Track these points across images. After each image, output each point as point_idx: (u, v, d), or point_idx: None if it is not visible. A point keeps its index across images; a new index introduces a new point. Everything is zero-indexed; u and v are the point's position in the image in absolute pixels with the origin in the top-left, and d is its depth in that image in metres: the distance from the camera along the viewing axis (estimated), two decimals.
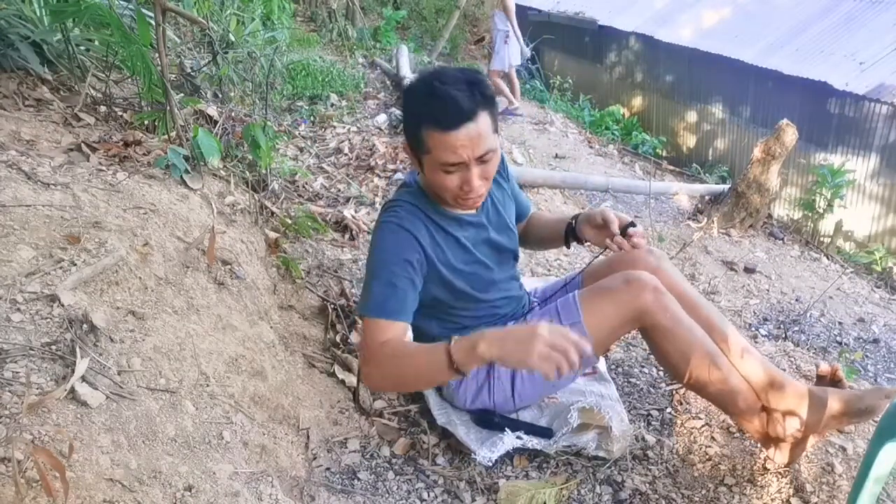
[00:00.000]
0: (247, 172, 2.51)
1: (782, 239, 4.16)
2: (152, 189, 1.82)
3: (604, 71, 9.46)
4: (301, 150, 4.04)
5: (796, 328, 2.92)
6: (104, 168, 1.82)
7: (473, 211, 1.58)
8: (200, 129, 2.12)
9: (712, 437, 1.72)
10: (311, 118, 4.66)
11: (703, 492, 1.56)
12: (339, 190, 3.38)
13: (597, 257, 1.76)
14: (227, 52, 3.43)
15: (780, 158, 3.91)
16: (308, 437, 1.58)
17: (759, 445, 1.63)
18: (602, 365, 1.91)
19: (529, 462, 1.65)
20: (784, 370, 2.04)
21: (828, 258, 4.07)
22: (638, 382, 2.02)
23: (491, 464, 1.58)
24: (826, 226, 5.56)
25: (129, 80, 2.59)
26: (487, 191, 1.48)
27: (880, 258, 4.90)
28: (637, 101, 8.84)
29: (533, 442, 1.61)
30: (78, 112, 2.11)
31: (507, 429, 1.60)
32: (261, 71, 3.80)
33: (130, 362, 1.26)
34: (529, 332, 1.21)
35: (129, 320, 1.35)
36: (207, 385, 1.39)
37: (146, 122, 2.31)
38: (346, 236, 2.77)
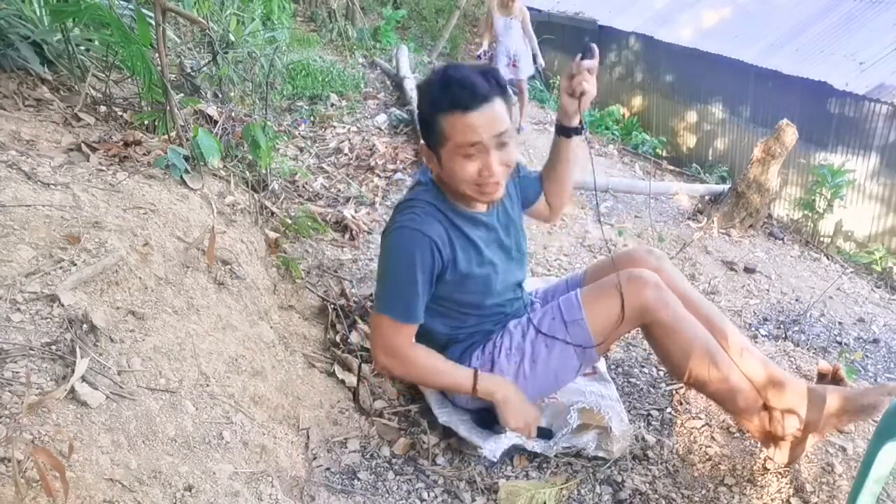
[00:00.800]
0: (247, 172, 2.51)
1: (782, 239, 4.16)
2: (152, 189, 1.82)
3: (604, 71, 9.46)
4: (301, 150, 4.04)
5: (796, 328, 2.92)
6: (104, 168, 1.82)
7: (485, 209, 1.58)
8: (200, 129, 2.12)
9: (712, 437, 1.72)
10: (311, 118, 4.67)
11: (703, 492, 1.56)
12: (339, 190, 3.38)
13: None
14: (227, 52, 3.43)
15: (780, 158, 3.91)
16: (308, 437, 1.58)
17: (759, 445, 1.63)
18: (602, 365, 1.91)
19: (529, 462, 1.65)
20: (784, 370, 2.04)
21: (828, 258, 4.06)
22: (638, 382, 2.02)
23: (496, 458, 1.58)
24: (826, 226, 5.56)
25: (129, 80, 2.59)
26: (506, 182, 1.47)
27: (880, 258, 4.90)
28: (637, 101, 8.85)
29: (532, 445, 1.61)
30: (78, 112, 2.11)
31: (506, 430, 1.60)
32: (261, 71, 3.81)
33: (130, 362, 1.26)
34: (532, 413, 1.59)
35: (129, 320, 1.35)
36: (207, 385, 1.39)
37: (146, 122, 2.31)
38: (346, 236, 2.77)
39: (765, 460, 1.62)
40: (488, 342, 1.66)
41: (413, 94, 5.22)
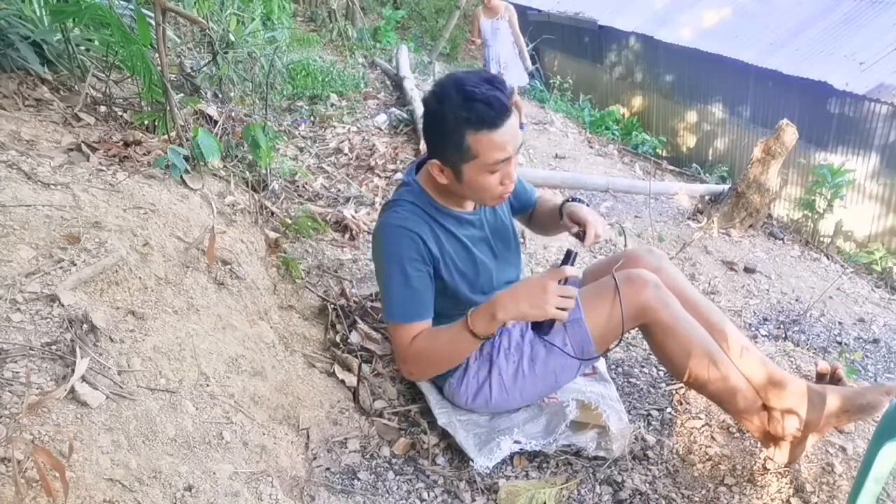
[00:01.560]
0: (247, 172, 2.51)
1: (782, 239, 4.15)
2: (152, 189, 1.82)
3: (604, 71, 9.46)
4: (301, 150, 4.04)
5: (796, 328, 2.92)
6: (104, 168, 1.82)
7: (471, 208, 1.59)
8: (200, 129, 2.12)
9: (712, 437, 1.72)
10: (311, 118, 4.66)
11: (703, 492, 1.56)
12: (339, 190, 3.38)
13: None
14: (227, 52, 3.43)
15: (780, 158, 3.91)
16: (308, 437, 1.58)
17: (759, 445, 1.63)
18: (602, 365, 1.91)
19: (529, 462, 1.65)
20: (784, 370, 2.04)
21: (828, 258, 4.06)
22: (638, 382, 2.02)
23: (488, 471, 1.58)
24: (826, 226, 5.56)
25: (129, 80, 2.59)
26: None
27: (880, 258, 4.90)
28: (637, 101, 8.84)
29: (532, 443, 1.60)
30: (78, 112, 2.11)
31: (505, 434, 1.60)
32: (261, 71, 3.80)
33: (130, 362, 1.26)
34: (539, 289, 1.33)
35: (129, 320, 1.35)
36: (207, 385, 1.39)
37: (146, 122, 2.31)
38: (346, 236, 2.77)
39: (765, 460, 1.62)
40: (488, 343, 1.66)
41: (413, 93, 5.22)
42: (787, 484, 1.54)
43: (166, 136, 2.24)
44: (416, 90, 5.43)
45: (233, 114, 3.00)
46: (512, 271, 1.73)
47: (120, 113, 2.36)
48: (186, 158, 2.02)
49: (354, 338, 2.02)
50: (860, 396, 1.43)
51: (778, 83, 6.35)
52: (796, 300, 3.19)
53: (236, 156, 2.56)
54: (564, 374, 1.64)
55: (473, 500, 1.53)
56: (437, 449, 1.68)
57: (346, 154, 3.98)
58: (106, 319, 1.28)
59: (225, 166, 2.38)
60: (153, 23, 2.13)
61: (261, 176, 2.64)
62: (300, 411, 1.63)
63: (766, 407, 1.52)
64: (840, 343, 2.87)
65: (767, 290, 3.26)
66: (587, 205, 1.68)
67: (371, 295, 2.27)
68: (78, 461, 1.00)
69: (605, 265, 1.75)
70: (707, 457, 1.67)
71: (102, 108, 2.31)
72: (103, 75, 2.43)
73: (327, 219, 2.85)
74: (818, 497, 1.50)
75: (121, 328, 1.31)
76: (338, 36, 8.30)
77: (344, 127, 4.54)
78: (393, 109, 5.00)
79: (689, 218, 4.23)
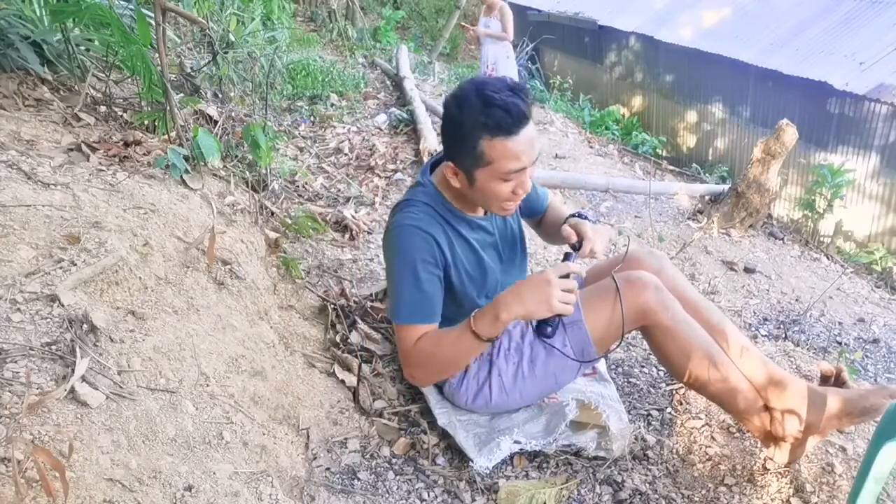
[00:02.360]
0: (247, 172, 2.51)
1: (782, 239, 4.15)
2: (152, 189, 1.82)
3: (604, 71, 9.46)
4: (301, 150, 4.04)
5: (796, 328, 2.92)
6: (104, 168, 1.82)
7: (482, 213, 1.59)
8: (200, 129, 2.12)
9: (712, 437, 1.72)
10: (311, 118, 4.66)
11: (703, 492, 1.56)
12: (339, 190, 3.38)
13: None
14: (227, 52, 3.43)
15: (780, 158, 3.91)
16: (308, 437, 1.58)
17: (759, 445, 1.63)
18: (602, 365, 1.91)
19: (529, 462, 1.65)
20: (784, 370, 2.04)
21: (828, 258, 4.06)
22: (638, 382, 2.02)
23: (488, 471, 1.58)
24: (826, 226, 5.55)
25: (129, 80, 2.59)
26: None
27: (880, 258, 4.89)
28: (637, 101, 8.84)
29: (532, 443, 1.60)
30: (78, 112, 2.11)
31: (504, 434, 1.60)
32: (261, 71, 3.81)
33: (130, 362, 1.26)
34: (542, 285, 1.34)
35: (129, 320, 1.35)
36: (207, 385, 1.39)
37: (146, 122, 2.31)
38: (346, 236, 2.77)
39: (765, 460, 1.62)
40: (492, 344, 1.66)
41: (413, 93, 5.22)
42: (787, 484, 1.54)
43: (166, 136, 2.24)
44: (416, 90, 5.44)
45: (233, 114, 3.00)
46: (517, 277, 1.73)
47: (120, 113, 2.36)
48: (186, 158, 2.02)
49: (354, 338, 2.02)
50: (862, 399, 1.43)
51: (778, 83, 6.35)
52: (796, 300, 3.19)
53: (236, 156, 2.56)
54: (564, 376, 1.64)
55: (473, 500, 1.53)
56: (437, 449, 1.68)
57: (346, 154, 3.98)
58: (106, 319, 1.28)
59: (225, 166, 2.38)
60: (153, 23, 2.13)
61: (261, 176, 2.64)
62: (300, 411, 1.63)
63: (766, 407, 1.51)
64: (840, 343, 2.87)
65: (767, 290, 3.26)
66: (594, 222, 1.67)
67: (371, 295, 2.27)
68: (78, 461, 1.00)
69: (607, 266, 1.75)
70: (707, 457, 1.67)
71: (102, 108, 2.31)
72: (103, 75, 2.43)
73: (327, 219, 2.85)
74: (818, 497, 1.50)
75: (121, 328, 1.31)
76: (338, 36, 8.30)
77: (344, 127, 4.54)
78: (393, 109, 5.00)
79: (689, 218, 4.23)
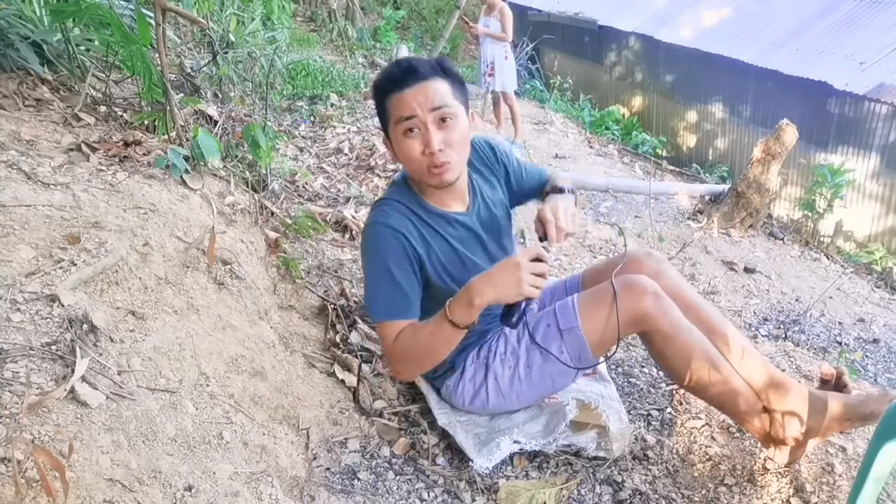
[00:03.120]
0: (247, 172, 2.51)
1: (782, 239, 4.16)
2: (152, 189, 1.82)
3: (604, 71, 9.46)
4: (301, 150, 4.04)
5: (796, 328, 2.92)
6: (104, 168, 1.82)
7: (463, 209, 1.57)
8: (200, 129, 2.12)
9: (712, 437, 1.72)
10: (311, 118, 4.67)
11: (703, 492, 1.56)
12: (339, 190, 3.38)
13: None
14: (227, 52, 3.43)
15: (780, 158, 3.91)
16: (308, 437, 1.58)
17: (759, 445, 1.63)
18: (602, 365, 1.91)
19: (529, 462, 1.65)
20: (784, 370, 2.04)
21: (828, 258, 4.06)
22: (638, 382, 2.02)
23: (488, 472, 1.58)
24: (826, 226, 5.55)
25: (129, 80, 2.59)
26: (458, 165, 1.46)
27: (880, 258, 4.90)
28: (637, 101, 8.84)
29: (531, 443, 1.60)
30: (78, 112, 2.11)
31: (504, 434, 1.60)
32: (261, 71, 3.81)
33: (130, 362, 1.26)
34: (512, 269, 1.32)
35: (129, 320, 1.35)
36: (207, 385, 1.39)
37: (146, 122, 2.31)
38: (346, 236, 2.77)
39: (765, 460, 1.62)
40: (484, 345, 1.65)
41: None
42: (787, 484, 1.54)
43: (166, 136, 2.24)
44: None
45: (233, 114, 3.00)
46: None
47: (120, 113, 2.36)
48: (186, 158, 2.02)
49: (354, 338, 2.02)
50: (863, 405, 1.42)
51: (778, 83, 6.35)
52: (796, 300, 3.19)
53: (236, 156, 2.56)
54: (562, 380, 1.63)
55: (473, 500, 1.53)
56: (437, 449, 1.68)
57: (346, 154, 3.98)
58: (106, 319, 1.28)
59: (225, 166, 2.38)
60: (153, 23, 2.13)
61: (261, 176, 2.64)
62: (300, 411, 1.63)
63: (766, 409, 1.51)
64: (840, 343, 2.87)
65: (767, 290, 3.26)
66: (567, 192, 1.64)
67: None
68: (78, 461, 1.00)
69: (605, 268, 1.74)
70: (707, 457, 1.67)
71: (102, 108, 2.31)
72: (103, 75, 2.43)
73: (327, 219, 2.85)
74: (818, 497, 1.50)
75: (121, 328, 1.31)
76: (338, 36, 8.30)
77: (344, 127, 4.54)
78: None
79: (689, 218, 4.23)
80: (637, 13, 8.77)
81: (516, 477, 1.61)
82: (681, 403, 1.88)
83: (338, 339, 2.01)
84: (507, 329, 1.65)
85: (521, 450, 1.61)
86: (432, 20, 11.75)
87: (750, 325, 2.91)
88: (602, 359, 1.61)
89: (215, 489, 1.15)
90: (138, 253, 1.50)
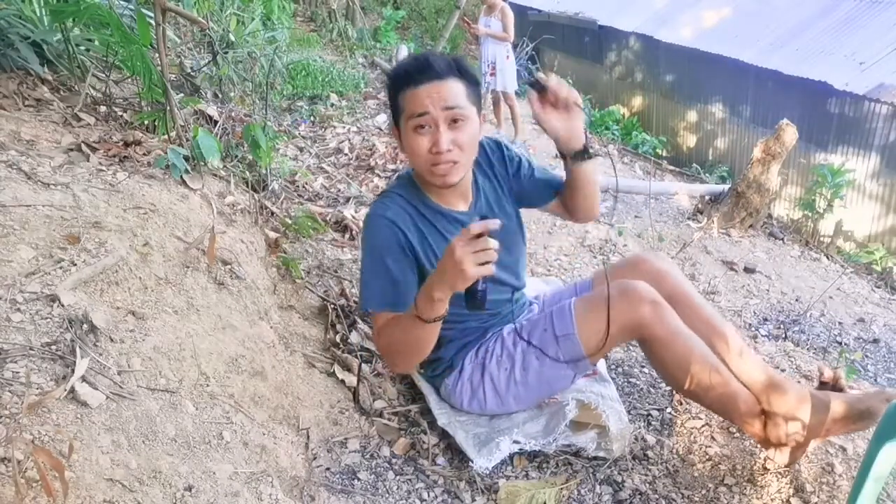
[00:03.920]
0: (247, 172, 2.51)
1: (782, 239, 4.16)
2: (152, 189, 1.82)
3: (604, 71, 9.46)
4: (301, 150, 4.04)
5: (796, 328, 2.92)
6: (104, 168, 1.82)
7: (465, 208, 1.57)
8: (200, 129, 2.12)
9: (712, 437, 1.72)
10: (311, 118, 4.67)
11: (703, 492, 1.56)
12: (339, 190, 3.38)
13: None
14: (227, 52, 3.43)
15: (780, 158, 3.91)
16: (308, 437, 1.58)
17: (759, 446, 1.63)
18: (602, 365, 1.91)
19: (529, 462, 1.65)
20: (784, 370, 2.04)
21: (828, 258, 4.06)
22: (638, 382, 2.02)
23: (488, 472, 1.58)
24: (826, 226, 5.55)
25: (129, 80, 2.59)
26: (464, 167, 1.44)
27: (880, 258, 4.89)
28: (637, 101, 8.84)
29: (531, 443, 1.60)
30: (78, 112, 2.11)
31: (504, 434, 1.60)
32: (261, 71, 3.81)
33: (130, 362, 1.26)
34: (449, 255, 1.21)
35: (129, 320, 1.35)
36: (207, 385, 1.39)
37: (146, 122, 2.31)
38: (346, 236, 2.77)
39: (765, 460, 1.62)
40: (481, 346, 1.65)
41: None
42: (787, 484, 1.54)
43: (166, 136, 2.24)
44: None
45: (233, 114, 3.00)
46: (509, 276, 1.67)
47: (120, 113, 2.36)
48: (186, 158, 2.02)
49: (354, 338, 2.02)
50: (859, 403, 1.42)
51: (778, 83, 6.35)
52: (796, 300, 3.19)
53: (236, 156, 2.56)
54: (559, 384, 1.63)
55: (473, 500, 1.53)
56: (437, 449, 1.68)
57: (346, 154, 3.98)
58: (106, 319, 1.28)
59: (225, 166, 2.38)
60: (153, 23, 2.13)
61: (261, 176, 2.64)
62: (300, 411, 1.63)
63: (765, 412, 1.50)
64: (840, 343, 2.87)
65: (767, 290, 3.26)
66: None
67: None
68: (78, 461, 1.00)
69: (614, 271, 1.72)
70: (707, 457, 1.67)
71: (102, 108, 2.31)
72: (103, 75, 2.43)
73: (327, 219, 2.85)
74: (818, 497, 1.50)
75: (121, 328, 1.31)
76: (338, 36, 8.30)
77: (344, 127, 4.54)
78: None
79: (689, 218, 4.24)
80: (637, 13, 8.77)
81: (516, 477, 1.61)
82: (681, 403, 1.88)
83: (338, 339, 2.01)
84: (504, 331, 1.65)
85: (520, 450, 1.61)
86: (432, 20, 11.74)
87: (750, 325, 2.91)
88: (594, 366, 1.60)
89: (215, 489, 1.15)
90: (138, 253, 1.50)
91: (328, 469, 1.53)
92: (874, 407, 1.40)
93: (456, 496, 1.54)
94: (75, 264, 1.35)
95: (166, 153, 1.96)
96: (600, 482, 1.59)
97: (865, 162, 5.69)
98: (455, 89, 1.39)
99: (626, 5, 9.10)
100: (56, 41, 2.29)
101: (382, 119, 4.78)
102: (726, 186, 4.47)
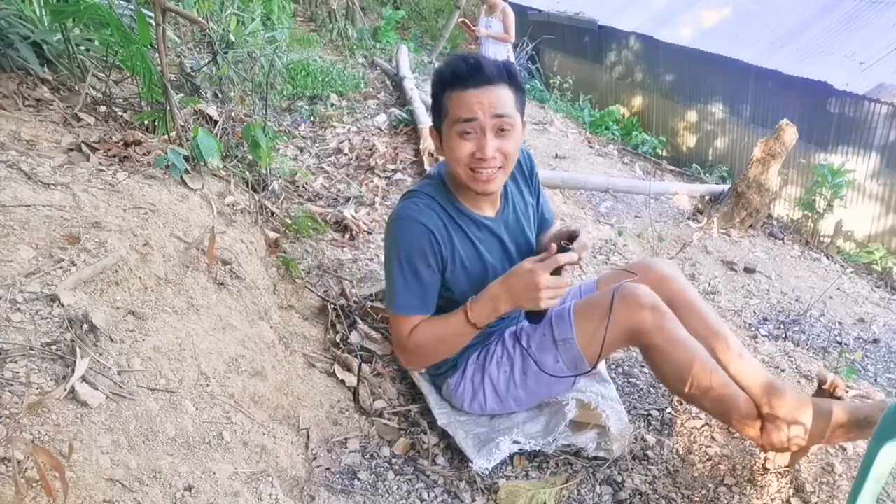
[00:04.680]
0: (247, 172, 2.51)
1: (782, 239, 4.16)
2: (152, 189, 1.82)
3: (604, 71, 9.46)
4: (301, 150, 4.04)
5: (796, 328, 2.92)
6: (104, 168, 1.82)
7: (493, 214, 1.57)
8: (200, 129, 2.12)
9: (712, 437, 1.72)
10: (311, 118, 4.66)
11: (703, 492, 1.56)
12: (339, 190, 3.38)
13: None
14: (227, 52, 3.43)
15: (780, 158, 3.91)
16: (308, 437, 1.58)
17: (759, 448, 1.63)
18: (602, 365, 1.90)
19: (529, 462, 1.65)
20: (784, 370, 2.04)
21: (828, 258, 4.06)
22: (638, 382, 2.02)
23: (488, 472, 1.58)
24: (826, 226, 5.56)
25: (129, 80, 2.59)
26: (505, 175, 1.45)
27: (880, 258, 4.90)
28: (637, 101, 8.84)
29: (531, 443, 1.60)
30: (78, 112, 2.11)
31: (504, 435, 1.60)
32: (261, 71, 3.80)
33: (130, 362, 1.26)
34: (532, 286, 1.34)
35: (129, 320, 1.35)
36: (207, 385, 1.39)
37: (146, 122, 2.31)
38: (346, 236, 2.77)
39: (765, 460, 1.62)
40: (483, 348, 1.65)
41: (413, 93, 5.22)
42: (787, 484, 1.54)
43: (166, 136, 2.24)
44: (416, 90, 5.43)
45: (233, 114, 3.00)
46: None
47: (120, 113, 2.36)
48: (186, 158, 2.02)
49: (354, 338, 2.02)
50: (859, 411, 1.42)
51: (778, 83, 6.35)
52: (796, 300, 3.19)
53: (236, 156, 2.56)
54: (558, 386, 1.63)
55: (473, 500, 1.53)
56: (437, 449, 1.68)
57: (346, 154, 3.98)
58: (106, 319, 1.28)
59: (225, 166, 2.38)
60: (153, 23, 2.13)
61: (261, 176, 2.64)
62: (300, 411, 1.63)
63: (764, 416, 1.49)
64: (840, 343, 2.87)
65: (767, 290, 3.26)
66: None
67: (371, 295, 2.26)
68: (78, 461, 1.00)
69: (619, 276, 1.72)
70: (707, 457, 1.67)
71: (102, 108, 2.31)
72: (103, 75, 2.43)
73: (327, 219, 2.85)
74: (818, 497, 1.50)
75: (121, 328, 1.31)
76: (338, 36, 8.30)
77: (344, 127, 4.54)
78: (393, 109, 5.00)
79: (689, 218, 4.24)
80: (637, 13, 8.77)
81: (516, 477, 1.61)
82: (681, 403, 1.88)
83: (338, 339, 2.01)
84: (506, 333, 1.65)
85: (520, 450, 1.61)
86: (432, 20, 11.75)
87: (750, 325, 2.91)
88: (594, 367, 1.60)
89: (215, 489, 1.15)
90: (138, 253, 1.50)
91: (328, 469, 1.53)
92: (874, 417, 1.39)
93: (456, 496, 1.54)
94: (75, 264, 1.35)
95: (166, 153, 1.96)
96: (600, 482, 1.59)
97: (865, 162, 5.70)
98: (504, 96, 1.37)
99: (626, 5, 9.10)
100: (56, 41, 2.29)
101: (382, 119, 4.78)
102: (726, 186, 4.47)
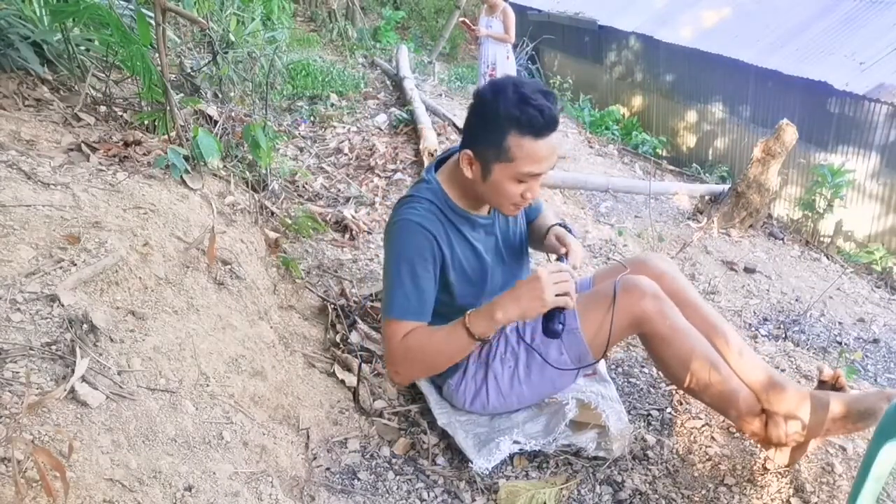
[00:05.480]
0: (247, 172, 2.51)
1: (782, 239, 4.16)
2: (152, 189, 1.82)
3: (604, 71, 9.46)
4: (301, 150, 4.04)
5: (796, 328, 2.92)
6: (104, 168, 1.82)
7: (486, 213, 1.58)
8: (200, 129, 2.12)
9: (712, 437, 1.72)
10: (311, 118, 4.67)
11: (703, 492, 1.56)
12: (339, 190, 3.38)
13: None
14: (227, 52, 3.43)
15: (780, 158, 3.91)
16: (308, 437, 1.58)
17: (759, 446, 1.63)
18: (602, 365, 1.90)
19: (529, 462, 1.65)
20: (784, 370, 2.04)
21: (828, 258, 4.07)
22: (638, 382, 2.02)
23: (488, 472, 1.58)
24: (826, 226, 5.56)
25: (129, 80, 2.59)
26: None
27: (880, 258, 4.90)
28: (637, 101, 8.84)
29: (531, 443, 1.60)
30: (78, 112, 2.11)
31: (504, 434, 1.60)
32: (261, 71, 3.80)
33: (130, 362, 1.26)
34: (533, 282, 1.34)
35: (129, 320, 1.35)
36: (207, 385, 1.39)
37: (146, 122, 2.31)
38: (346, 236, 2.77)
39: (765, 460, 1.62)
40: (485, 345, 1.65)
41: (413, 93, 5.22)
42: (787, 484, 1.54)
43: (166, 136, 2.24)
44: (416, 90, 5.44)
45: (233, 114, 3.00)
46: (512, 278, 1.69)
47: (120, 113, 2.36)
48: (186, 158, 2.02)
49: (354, 338, 2.02)
50: (859, 402, 1.42)
51: (778, 83, 6.35)
52: (796, 300, 3.19)
53: (236, 156, 2.56)
54: (562, 381, 1.63)
55: (473, 500, 1.53)
56: (437, 449, 1.68)
57: (346, 154, 3.98)
58: (106, 319, 1.28)
59: (225, 166, 2.38)
60: (153, 23, 2.13)
61: (261, 176, 2.64)
62: (300, 411, 1.63)
63: (766, 411, 1.50)
64: (840, 343, 2.87)
65: (767, 290, 3.26)
66: (574, 235, 1.70)
67: (371, 295, 2.27)
68: (78, 461, 1.00)
69: (613, 271, 1.74)
70: (707, 457, 1.67)
71: (102, 108, 2.31)
72: (103, 75, 2.43)
73: (327, 219, 2.85)
74: (818, 497, 1.50)
75: (121, 328, 1.31)
76: (338, 36, 8.30)
77: (344, 127, 4.54)
78: (393, 109, 5.00)
79: (689, 218, 4.24)
80: (637, 13, 8.77)
81: (516, 477, 1.61)
82: (681, 403, 1.88)
83: (338, 339, 2.01)
84: (507, 329, 1.65)
85: (521, 450, 1.61)
86: (432, 20, 11.74)
87: (750, 325, 2.91)
88: (599, 359, 1.61)
89: (215, 489, 1.15)
90: (138, 253, 1.50)
91: (328, 469, 1.53)
92: (874, 406, 1.40)
93: (456, 496, 1.54)
94: (75, 264, 1.35)
95: (166, 153, 1.96)
96: (600, 482, 1.59)
97: (865, 162, 5.69)
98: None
99: (626, 5, 9.10)
100: (56, 41, 2.29)
101: (382, 119, 4.78)
102: (726, 186, 4.47)
